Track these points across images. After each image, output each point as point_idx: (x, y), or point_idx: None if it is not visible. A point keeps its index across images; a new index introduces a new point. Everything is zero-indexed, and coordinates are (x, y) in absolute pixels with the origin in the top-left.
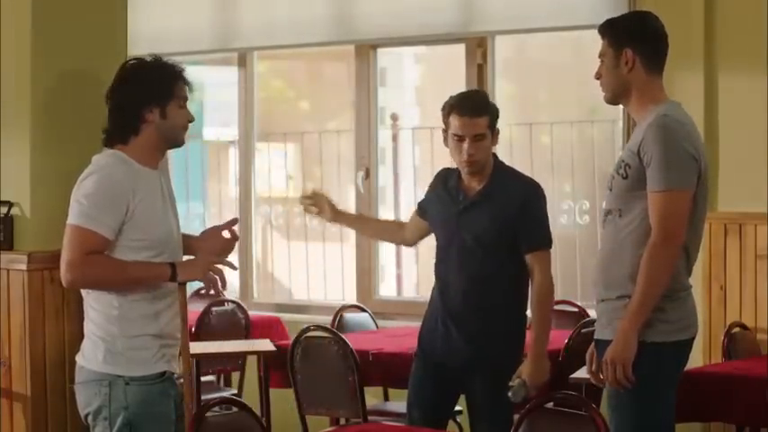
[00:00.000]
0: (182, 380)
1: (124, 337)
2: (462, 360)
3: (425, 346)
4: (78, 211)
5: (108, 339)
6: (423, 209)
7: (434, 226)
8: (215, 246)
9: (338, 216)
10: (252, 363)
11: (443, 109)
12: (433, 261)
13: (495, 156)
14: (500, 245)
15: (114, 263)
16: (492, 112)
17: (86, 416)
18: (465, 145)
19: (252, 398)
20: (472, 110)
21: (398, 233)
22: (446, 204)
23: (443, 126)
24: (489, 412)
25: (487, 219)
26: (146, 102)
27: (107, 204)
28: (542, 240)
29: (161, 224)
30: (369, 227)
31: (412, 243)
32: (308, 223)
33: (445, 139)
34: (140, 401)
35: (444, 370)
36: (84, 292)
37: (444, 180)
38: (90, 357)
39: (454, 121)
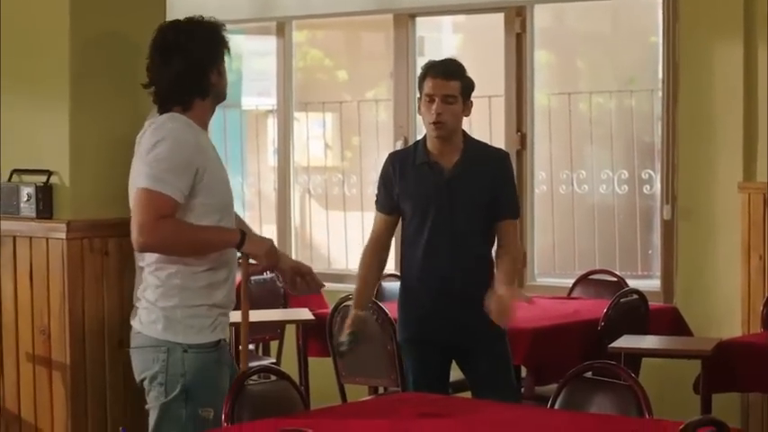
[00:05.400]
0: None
1: (184, 307)
2: (469, 333)
3: (421, 334)
4: (149, 175)
5: (168, 308)
6: (391, 204)
7: (412, 208)
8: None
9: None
10: (290, 331)
11: (420, 76)
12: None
13: (463, 130)
14: (485, 212)
15: (186, 226)
16: (465, 81)
17: (142, 380)
18: (434, 105)
19: (290, 366)
20: (444, 72)
21: (385, 258)
22: (426, 181)
23: (419, 95)
24: (499, 376)
25: (477, 187)
26: (210, 64)
27: (178, 168)
28: (518, 209)
29: (227, 187)
30: (374, 283)
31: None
32: (347, 192)
33: (419, 108)
34: (198, 369)
35: (447, 349)
36: (143, 262)
37: (404, 161)
38: (147, 324)
39: (427, 83)
